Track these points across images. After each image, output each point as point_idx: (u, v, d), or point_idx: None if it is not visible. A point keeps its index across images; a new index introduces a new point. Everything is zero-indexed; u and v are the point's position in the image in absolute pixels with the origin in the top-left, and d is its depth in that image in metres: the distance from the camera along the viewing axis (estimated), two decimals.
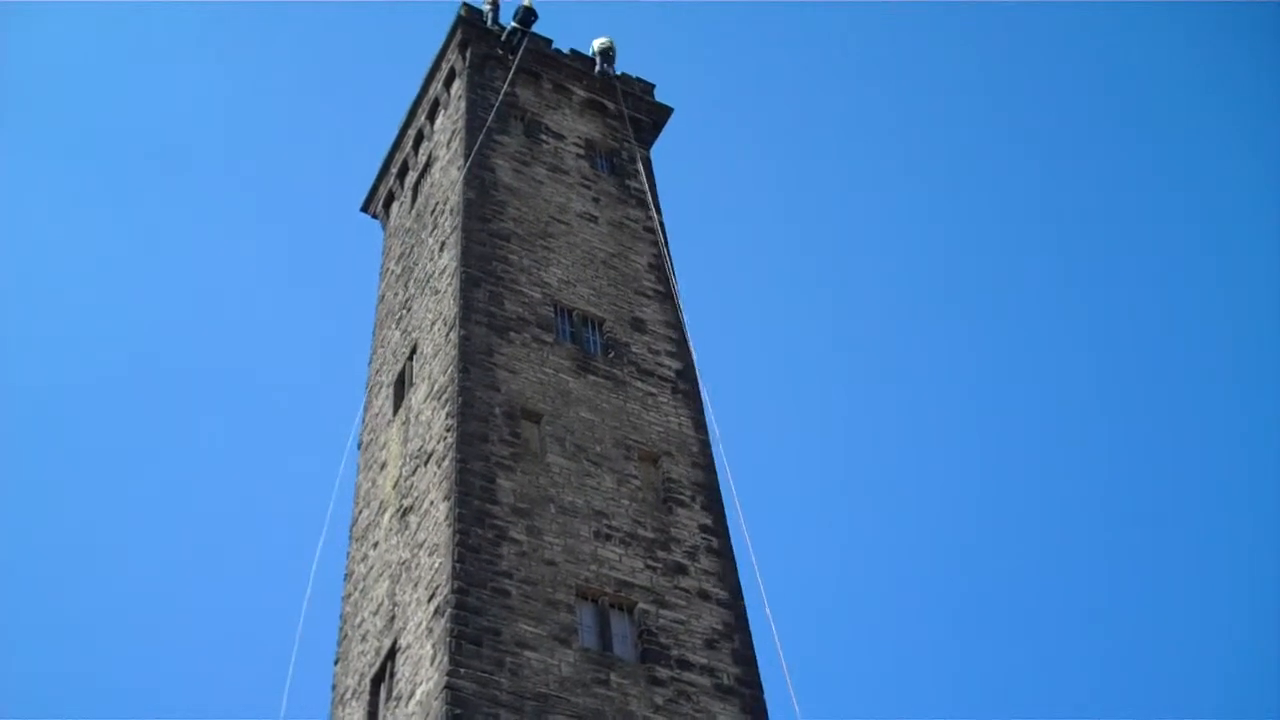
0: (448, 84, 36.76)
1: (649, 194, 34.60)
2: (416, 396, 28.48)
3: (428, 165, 36.00)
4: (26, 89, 72.86)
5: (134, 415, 70.07)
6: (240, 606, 64.60)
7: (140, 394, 71.13)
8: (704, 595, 24.43)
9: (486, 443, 25.01)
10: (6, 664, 58.34)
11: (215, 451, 69.91)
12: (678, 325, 30.50)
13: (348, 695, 25.23)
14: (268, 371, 73.99)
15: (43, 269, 73.91)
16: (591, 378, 27.84)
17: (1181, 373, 70.26)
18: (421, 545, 24.39)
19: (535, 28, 37.02)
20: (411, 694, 21.86)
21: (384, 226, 38.61)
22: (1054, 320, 73.79)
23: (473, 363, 26.60)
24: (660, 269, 32.08)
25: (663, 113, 38.20)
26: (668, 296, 31.29)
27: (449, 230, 31.00)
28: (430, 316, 29.68)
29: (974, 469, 70.81)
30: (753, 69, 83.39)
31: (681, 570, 24.68)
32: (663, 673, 22.51)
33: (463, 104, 34.70)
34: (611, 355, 28.76)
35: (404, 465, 27.38)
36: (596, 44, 38.68)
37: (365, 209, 39.94)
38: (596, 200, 33.57)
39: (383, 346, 32.99)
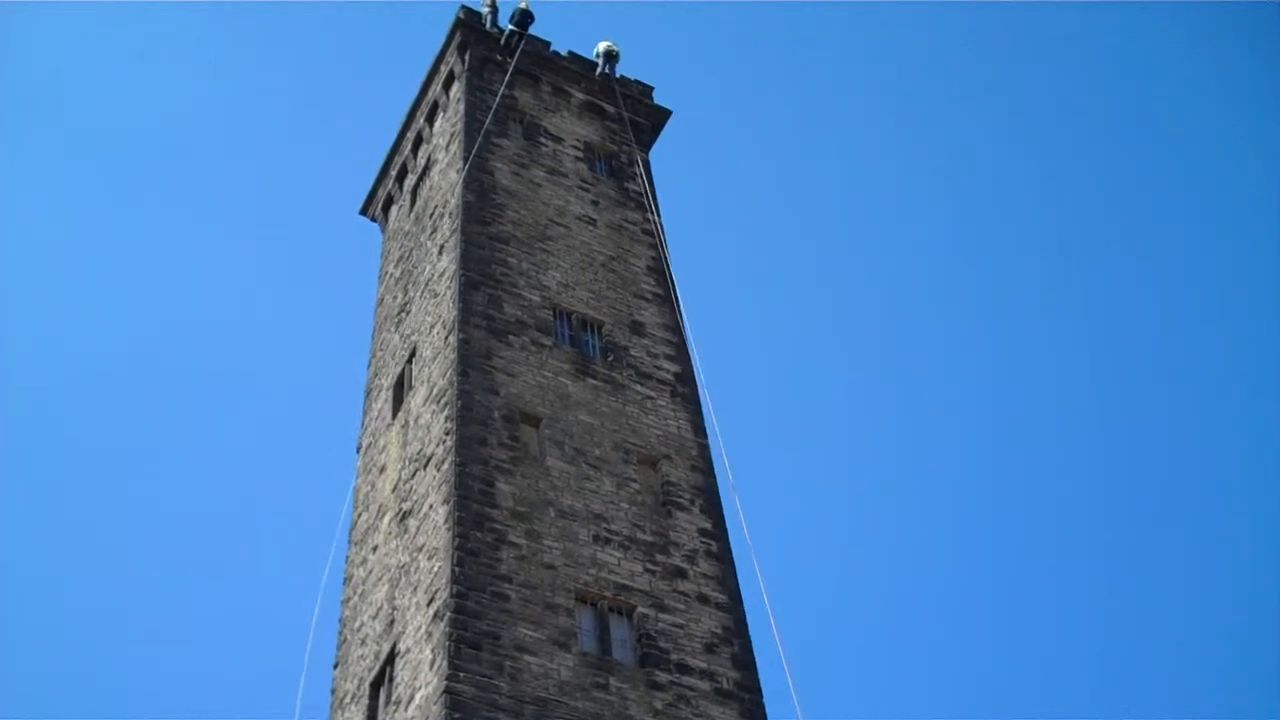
0: (446, 87, 36.75)
1: (648, 196, 34.58)
2: (415, 400, 28.46)
3: (426, 168, 35.98)
4: (26, 89, 72.96)
5: (133, 418, 70.16)
6: (240, 610, 64.57)
7: (140, 397, 71.20)
8: (703, 599, 24.41)
9: (485, 446, 24.99)
10: (9, 664, 58.41)
11: (213, 455, 69.94)
12: (677, 328, 30.48)
13: (347, 699, 25.21)
14: (267, 375, 74.05)
15: (42, 273, 73.97)
16: (590, 381, 27.82)
17: (1182, 373, 70.33)
18: (421, 549, 24.38)
19: (533, 30, 37.05)
20: (411, 698, 21.84)
21: (383, 229, 38.59)
22: (1054, 320, 73.87)
23: (472, 366, 26.58)
24: (659, 272, 32.06)
25: (661, 115, 38.19)
26: (667, 299, 31.27)
27: (448, 233, 30.99)
28: (429, 320, 29.66)
29: (974, 470, 70.85)
30: (751, 71, 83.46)
31: (681, 574, 24.66)
32: (662, 677, 22.49)
33: (461, 107, 34.69)
34: (610, 358, 28.74)
35: (403, 469, 27.36)
36: (601, 47, 38.68)
37: (364, 212, 39.92)
38: (595, 203, 33.55)
39: (382, 350, 32.97)
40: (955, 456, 70.98)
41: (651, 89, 38.92)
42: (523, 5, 36.97)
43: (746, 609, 24.66)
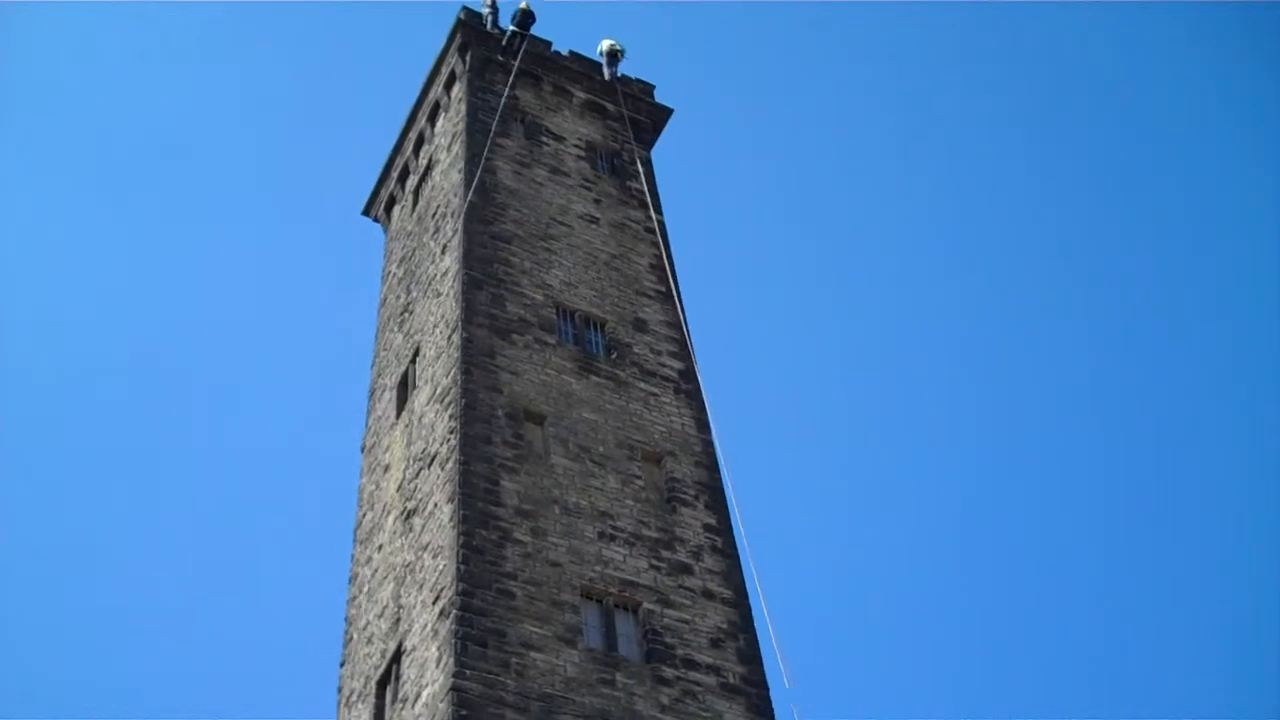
0: (448, 87, 36.80)
1: (650, 195, 34.64)
2: (419, 399, 28.51)
3: (429, 168, 36.04)
4: (27, 89, 73.04)
5: (136, 418, 70.16)
6: (242, 609, 64.64)
7: (142, 397, 71.23)
8: (709, 594, 24.45)
9: (490, 445, 25.04)
10: (10, 663, 58.46)
11: (216, 456, 69.97)
12: (679, 325, 30.52)
13: (354, 698, 25.26)
14: (270, 375, 74.08)
15: (43, 274, 74.01)
16: (594, 379, 27.87)
17: (1182, 372, 70.23)
18: (426, 547, 24.42)
19: (534, 29, 37.11)
20: (417, 696, 21.88)
21: (385, 230, 38.65)
22: (1055, 320, 73.80)
23: (475, 365, 26.63)
24: (661, 269, 32.11)
25: (663, 114, 38.24)
26: (669, 297, 31.32)
27: (450, 233, 31.05)
28: (432, 319, 29.72)
29: (975, 467, 70.82)
30: (752, 69, 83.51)
31: (686, 570, 24.70)
32: (668, 672, 22.53)
33: (463, 107, 34.74)
34: (614, 356, 28.79)
35: (407, 468, 27.41)
36: (604, 45, 38.70)
37: (366, 212, 39.98)
38: (597, 202, 33.61)
39: (385, 350, 33.02)
40: (955, 453, 71.03)
41: (653, 87, 38.98)
42: (524, 5, 37.01)
43: (752, 604, 24.71)
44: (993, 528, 68.23)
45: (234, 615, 64.23)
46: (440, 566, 23.28)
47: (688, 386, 28.95)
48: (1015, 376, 73.10)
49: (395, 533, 26.58)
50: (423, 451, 26.79)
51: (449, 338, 27.87)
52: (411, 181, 37.27)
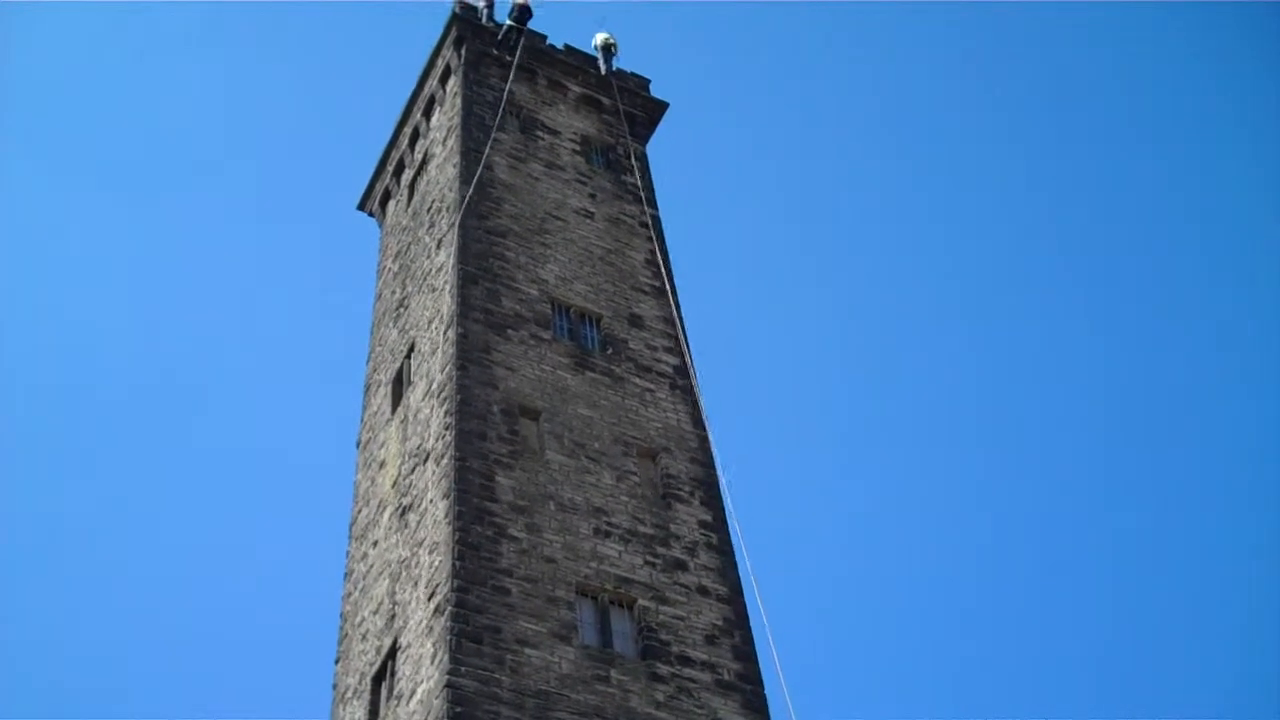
0: (443, 81, 36.73)
1: (645, 189, 34.59)
2: (415, 395, 28.47)
3: (424, 163, 35.97)
4: (24, 84, 72.88)
5: (130, 414, 70.11)
6: (236, 605, 64.63)
7: (136, 391, 71.18)
8: (704, 591, 24.44)
9: (485, 440, 25.00)
10: (10, 662, 58.42)
11: (210, 451, 69.89)
12: (675, 321, 30.48)
13: (349, 694, 25.24)
14: (265, 370, 74.00)
15: (38, 269, 73.86)
16: (589, 374, 27.84)
17: (1183, 372, 70.11)
18: (421, 544, 24.40)
19: (530, 23, 37.02)
20: (413, 692, 21.86)
21: (380, 224, 38.58)
22: (1053, 312, 73.79)
23: (471, 360, 26.59)
24: (657, 265, 32.06)
25: (658, 108, 38.17)
26: (665, 292, 31.28)
27: (446, 228, 30.99)
28: (428, 314, 29.67)
29: (971, 462, 70.85)
30: (748, 63, 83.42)
31: (681, 566, 24.69)
32: (663, 669, 22.52)
33: (458, 101, 34.67)
34: (609, 351, 28.76)
35: (403, 464, 27.38)
36: (598, 39, 38.62)
37: (361, 207, 39.90)
38: (593, 196, 33.55)
39: (380, 345, 32.97)
40: (952, 447, 71.04)
41: (648, 81, 38.91)
42: (521, 0, 36.94)
43: (747, 600, 24.70)
44: (989, 524, 68.35)
45: (229, 611, 64.22)
46: (435, 563, 23.25)
47: (683, 382, 28.92)
48: (1013, 370, 73.20)
49: (391, 529, 26.55)
50: (418, 447, 26.76)
51: (444, 333, 27.82)
52: (407, 176, 37.20)
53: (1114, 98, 76.39)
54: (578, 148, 35.11)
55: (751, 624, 24.27)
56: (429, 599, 22.80)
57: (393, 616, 24.40)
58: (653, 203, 34.25)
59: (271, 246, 78.77)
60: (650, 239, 32.90)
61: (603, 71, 37.79)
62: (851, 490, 70.77)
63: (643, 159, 36.21)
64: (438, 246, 31.10)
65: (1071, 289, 74.02)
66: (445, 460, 24.77)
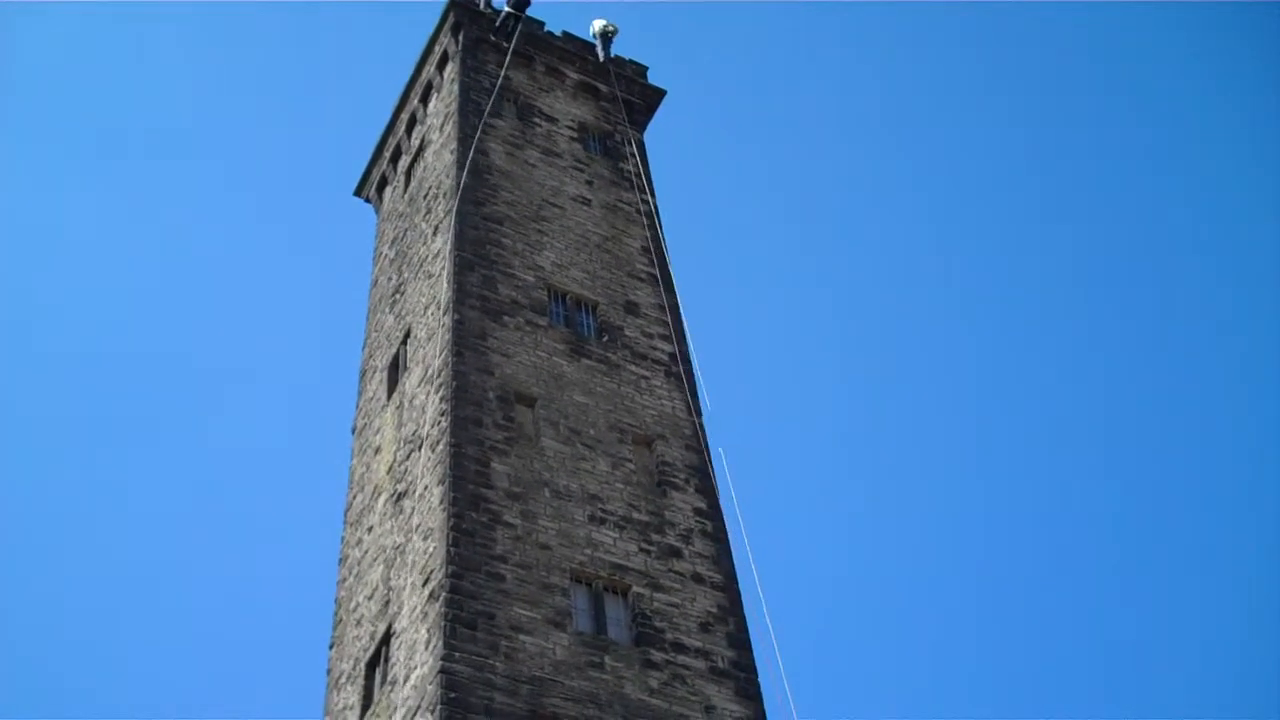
0: (440, 67, 36.66)
1: (642, 177, 34.56)
2: (410, 381, 28.46)
3: (421, 149, 35.92)
4: (19, 70, 72.69)
5: (124, 399, 70.03)
6: (228, 590, 64.64)
7: (132, 376, 71.11)
8: (698, 578, 24.45)
9: (480, 427, 24.99)
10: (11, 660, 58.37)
11: (205, 437, 69.84)
12: (671, 308, 30.47)
13: (343, 680, 25.25)
14: (260, 356, 73.97)
15: (29, 256, 73.76)
16: (585, 361, 27.83)
17: (1183, 371, 70.00)
18: (416, 529, 24.39)
19: (528, 10, 36.94)
20: (406, 678, 21.87)
21: (377, 211, 38.54)
22: (1051, 304, 73.70)
23: (466, 347, 26.57)
24: (653, 252, 32.04)
25: (656, 95, 38.12)
26: (661, 280, 31.26)
27: (442, 214, 30.96)
28: (424, 300, 29.65)
29: (967, 451, 70.91)
30: (745, 51, 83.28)
31: (676, 553, 24.70)
32: (657, 656, 22.54)
33: (455, 87, 34.61)
34: (605, 339, 28.75)
35: (398, 450, 27.37)
36: (596, 25, 38.55)
37: (358, 193, 39.86)
38: (590, 183, 33.51)
39: (376, 331, 32.95)
40: (949, 435, 71.10)
41: (646, 69, 38.86)
42: None
43: (741, 588, 24.72)
44: (985, 512, 68.39)
45: (223, 597, 64.25)
46: (430, 549, 23.26)
47: (679, 370, 28.91)
48: (1010, 362, 73.19)
49: (385, 515, 26.55)
50: (413, 433, 26.75)
51: (440, 319, 27.80)
52: (404, 162, 37.14)
53: (1114, 98, 76.34)
54: (575, 134, 35.07)
55: (746, 612, 24.30)
56: (423, 585, 22.81)
57: (387, 602, 24.40)
58: (650, 190, 34.22)
59: (268, 232, 78.70)
60: (647, 226, 32.87)
61: (601, 58, 37.77)
62: (848, 478, 70.88)
63: (640, 146, 36.17)
64: (434, 233, 31.07)
65: (1071, 288, 73.97)
66: (440, 446, 24.77)
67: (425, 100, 37.11)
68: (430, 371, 27.16)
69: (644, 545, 24.46)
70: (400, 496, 26.05)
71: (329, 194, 79.21)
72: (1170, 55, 75.63)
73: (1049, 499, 68.02)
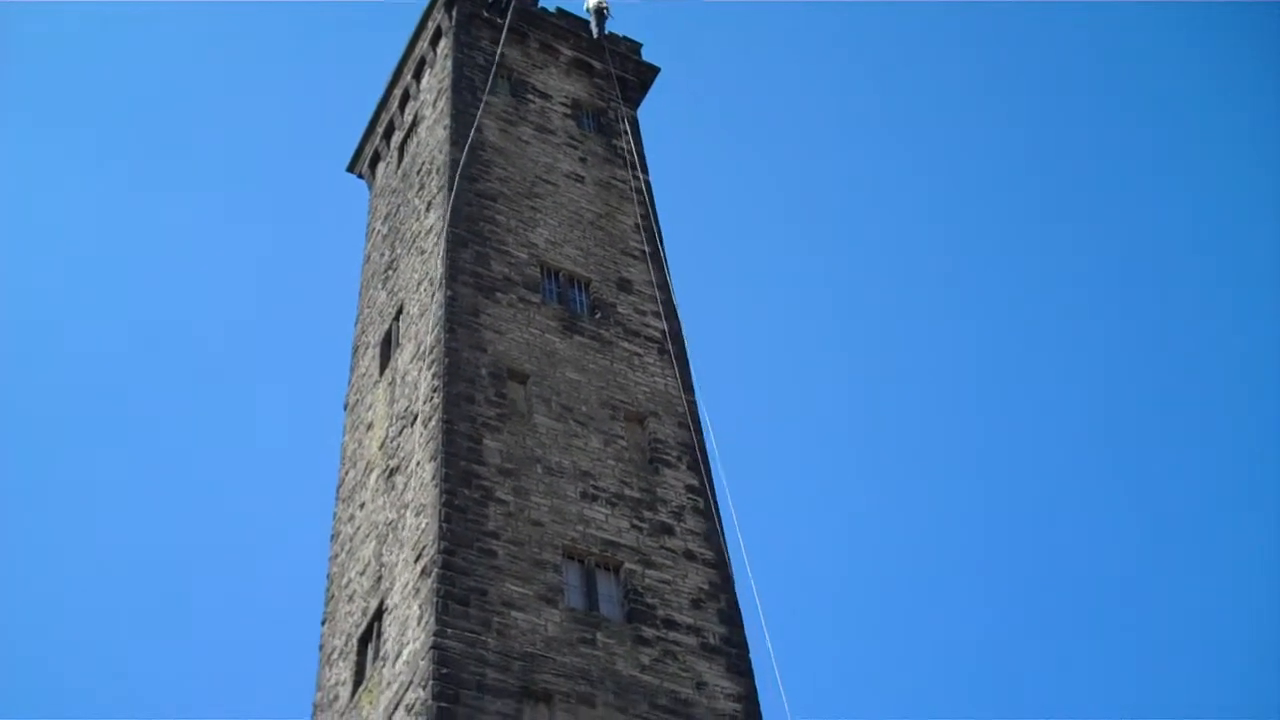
0: (434, 43, 36.54)
1: (636, 154, 34.49)
2: (403, 357, 28.44)
3: (414, 125, 35.83)
4: (8, 51, 72.32)
5: (115, 380, 69.91)
6: (220, 567, 64.69)
7: (126, 357, 70.99)
8: (690, 555, 24.50)
9: (473, 403, 24.99)
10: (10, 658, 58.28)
11: (199, 419, 69.75)
12: (664, 286, 30.46)
13: (335, 655, 25.29)
14: (252, 332, 73.81)
15: (20, 238, 73.51)
16: (578, 338, 27.82)
17: (1183, 371, 69.85)
18: (408, 506, 24.41)
19: None
20: (398, 654, 21.92)
21: (370, 186, 38.46)
22: (1050, 303, 73.39)
23: (459, 323, 26.55)
24: (647, 229, 32.01)
25: (650, 72, 38.03)
26: (654, 257, 31.24)
27: (435, 190, 30.89)
28: (416, 277, 29.61)
29: (962, 434, 70.90)
30: (740, 28, 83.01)
31: (667, 530, 24.74)
32: (649, 632, 22.59)
33: (449, 63, 34.51)
34: (598, 316, 28.74)
35: (390, 426, 27.36)
36: (590, 2, 38.44)
37: (351, 169, 39.76)
38: (583, 160, 33.45)
39: (369, 307, 32.91)
40: (943, 417, 71.10)
41: (640, 45, 38.76)
42: None
43: (733, 565, 24.76)
44: (980, 494, 68.50)
45: (215, 573, 64.26)
46: (422, 525, 23.27)
47: (671, 347, 28.91)
48: (1006, 354, 73.11)
49: (378, 491, 26.57)
50: (405, 409, 26.75)
51: (433, 295, 27.77)
52: (397, 138, 37.05)
53: (1114, 98, 76.09)
54: (569, 111, 34.99)
55: (737, 589, 24.36)
56: (415, 561, 22.84)
57: (379, 578, 24.43)
58: (643, 167, 34.17)
59: (260, 208, 78.61)
60: (640, 204, 32.84)
61: (595, 35, 37.67)
62: (840, 457, 70.97)
63: (634, 123, 36.09)
64: (427, 209, 31.02)
65: (1071, 288, 73.74)
66: (433, 423, 24.77)
67: (418, 76, 37.00)
68: (423, 348, 27.14)
69: (636, 522, 24.50)
70: (392, 472, 26.06)
71: (322, 169, 79.08)
72: (1170, 55, 75.45)
73: (1052, 489, 68.01)
